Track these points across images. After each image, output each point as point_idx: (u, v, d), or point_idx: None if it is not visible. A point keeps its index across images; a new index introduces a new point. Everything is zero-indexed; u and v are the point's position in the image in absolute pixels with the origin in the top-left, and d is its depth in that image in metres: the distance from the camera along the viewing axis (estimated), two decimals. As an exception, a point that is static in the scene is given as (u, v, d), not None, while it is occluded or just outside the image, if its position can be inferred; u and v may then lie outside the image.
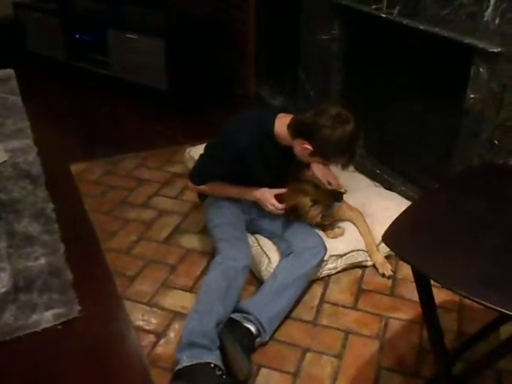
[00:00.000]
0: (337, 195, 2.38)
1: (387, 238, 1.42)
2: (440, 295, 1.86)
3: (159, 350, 2.06)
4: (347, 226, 2.60)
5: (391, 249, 1.53)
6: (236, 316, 2.07)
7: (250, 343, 2.02)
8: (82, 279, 2.38)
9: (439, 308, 1.53)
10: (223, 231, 2.34)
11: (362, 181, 2.97)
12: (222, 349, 1.96)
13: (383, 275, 2.45)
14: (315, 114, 2.06)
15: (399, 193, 2.81)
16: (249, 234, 2.51)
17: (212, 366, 1.87)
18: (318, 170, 2.57)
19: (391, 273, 2.46)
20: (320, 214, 2.39)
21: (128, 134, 3.84)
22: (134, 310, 2.25)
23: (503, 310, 1.18)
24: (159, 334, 2.13)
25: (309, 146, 2.07)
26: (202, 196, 2.57)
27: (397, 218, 1.50)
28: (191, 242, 2.67)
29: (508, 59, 2.14)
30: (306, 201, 2.34)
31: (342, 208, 2.57)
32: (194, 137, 3.49)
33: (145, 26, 4.27)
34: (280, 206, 2.32)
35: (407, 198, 2.77)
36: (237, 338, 1.98)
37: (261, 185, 2.38)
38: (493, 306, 1.18)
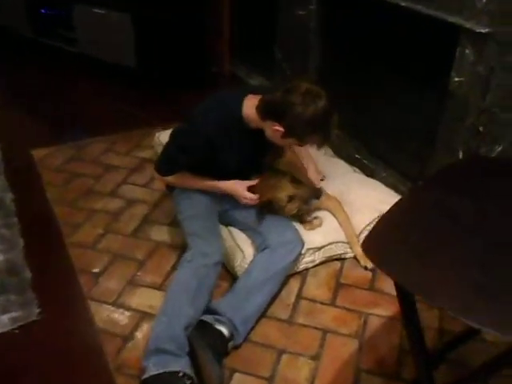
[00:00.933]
0: (315, 192, 2.25)
1: (366, 247, 1.29)
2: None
3: (125, 355, 1.93)
4: (325, 216, 2.47)
5: (371, 260, 1.39)
6: (207, 318, 1.94)
7: (222, 347, 1.89)
8: (42, 278, 2.22)
9: (418, 303, 1.41)
10: (193, 224, 2.19)
11: (340, 166, 2.83)
12: (192, 354, 1.84)
13: (365, 268, 2.34)
14: (284, 92, 1.91)
15: (380, 179, 2.69)
16: (222, 227, 2.38)
17: (180, 374, 1.75)
18: (297, 153, 2.45)
19: (373, 265, 2.34)
20: (296, 209, 2.25)
21: (95, 116, 3.63)
22: (99, 311, 2.10)
23: (498, 334, 1.06)
24: (126, 338, 1.99)
25: (280, 128, 1.93)
26: (171, 186, 2.41)
27: (377, 223, 1.38)
28: (161, 234, 2.52)
29: (496, 40, 2.00)
30: (281, 196, 2.20)
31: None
32: (165, 118, 3.31)
33: (113, 0, 4.01)
34: (254, 197, 2.18)
35: (388, 185, 2.65)
36: (208, 342, 1.85)
37: (233, 175, 2.23)
38: (488, 330, 1.07)
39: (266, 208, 2.23)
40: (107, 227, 2.56)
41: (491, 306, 1.11)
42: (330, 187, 2.56)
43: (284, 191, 2.19)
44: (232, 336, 1.93)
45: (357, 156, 2.88)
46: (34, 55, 4.48)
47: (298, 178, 2.26)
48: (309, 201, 2.25)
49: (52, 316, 2.06)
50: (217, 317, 1.95)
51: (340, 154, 2.95)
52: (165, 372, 1.74)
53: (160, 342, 1.81)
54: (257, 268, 2.10)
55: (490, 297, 1.12)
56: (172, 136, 2.23)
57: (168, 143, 2.24)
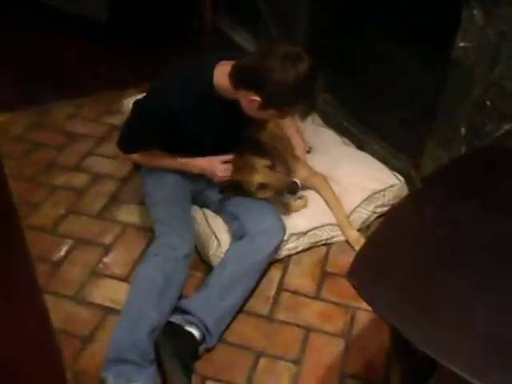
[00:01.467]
0: (291, 186, 1.97)
1: (352, 273, 1.06)
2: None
3: (84, 360, 1.73)
4: (311, 195, 2.24)
5: (359, 295, 1.16)
6: (176, 319, 1.74)
7: (192, 352, 1.70)
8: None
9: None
10: (161, 210, 1.96)
11: (329, 137, 2.57)
12: (159, 362, 1.64)
13: None
14: (260, 56, 1.66)
15: (371, 152, 2.44)
16: (196, 209, 2.14)
17: (143, 390, 1.56)
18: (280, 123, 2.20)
19: None
20: (269, 197, 2.01)
21: (63, 76, 3.28)
22: (56, 306, 1.89)
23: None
24: (85, 339, 1.79)
25: (256, 97, 1.67)
26: (137, 164, 2.16)
27: (366, 244, 1.15)
28: (129, 215, 2.28)
29: (509, 1, 1.72)
30: (252, 180, 1.95)
31: (303, 173, 2.20)
32: (138, 80, 2.98)
33: None
34: (229, 171, 1.94)
35: (380, 158, 2.40)
36: (176, 347, 1.66)
37: (209, 152, 1.98)
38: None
39: (233, 189, 1.99)
40: (70, 207, 2.31)
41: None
42: (316, 161, 2.31)
43: (256, 176, 1.94)
44: (204, 338, 1.74)
45: (347, 125, 2.62)
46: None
47: (277, 164, 1.99)
48: (283, 193, 2.00)
49: (3, 314, 1.85)
50: (187, 317, 1.75)
51: (329, 122, 2.68)
52: (126, 387, 1.55)
53: (120, 349, 1.61)
54: (232, 260, 1.88)
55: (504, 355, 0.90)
56: (133, 108, 1.96)
57: (129, 116, 1.97)
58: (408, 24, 2.23)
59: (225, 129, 1.94)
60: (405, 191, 2.32)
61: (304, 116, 1.80)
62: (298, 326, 1.87)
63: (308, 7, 2.72)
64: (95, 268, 2.04)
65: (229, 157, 1.97)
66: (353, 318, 1.90)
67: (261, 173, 1.95)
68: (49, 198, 2.35)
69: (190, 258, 1.86)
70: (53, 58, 3.46)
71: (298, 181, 1.98)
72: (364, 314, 1.92)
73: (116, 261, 2.07)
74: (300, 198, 2.22)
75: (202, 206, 2.16)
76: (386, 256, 1.09)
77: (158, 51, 3.48)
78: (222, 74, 1.76)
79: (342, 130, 2.61)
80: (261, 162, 1.96)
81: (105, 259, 2.08)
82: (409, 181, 2.32)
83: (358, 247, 2.13)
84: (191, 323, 1.73)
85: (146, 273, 1.79)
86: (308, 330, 1.86)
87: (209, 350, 1.77)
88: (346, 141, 2.57)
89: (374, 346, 1.81)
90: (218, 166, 1.95)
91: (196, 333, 1.72)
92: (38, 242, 2.13)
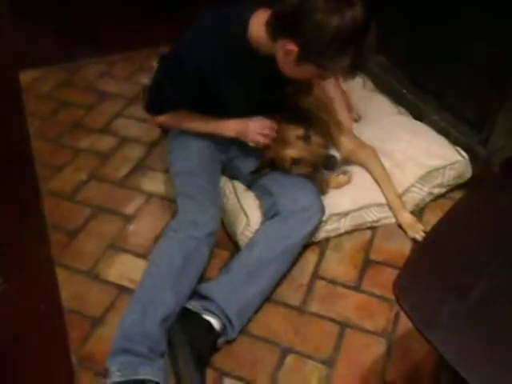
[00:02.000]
0: (326, 161, 1.70)
1: (399, 286, 0.81)
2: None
3: (92, 344, 1.57)
4: (356, 170, 1.96)
5: (402, 309, 0.91)
6: (194, 306, 1.54)
7: (209, 344, 1.50)
8: (5, 236, 1.84)
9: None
10: (185, 182, 1.75)
11: (381, 105, 2.26)
12: (171, 354, 1.46)
13: (414, 239, 1.85)
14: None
15: (430, 123, 2.12)
16: (226, 180, 1.92)
17: (149, 385, 1.37)
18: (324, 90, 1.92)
19: (424, 235, 1.85)
20: (304, 173, 1.75)
21: (96, 32, 3.06)
22: (68, 282, 1.74)
23: None
24: (96, 321, 1.62)
25: (293, 47, 1.41)
26: (165, 128, 1.94)
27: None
28: (155, 183, 2.08)
29: None
30: (285, 155, 1.70)
31: (348, 145, 1.92)
32: (175, 37, 2.73)
33: None
34: (269, 134, 1.69)
35: (440, 130, 2.08)
36: (191, 338, 1.46)
37: (242, 116, 1.74)
38: None
39: (267, 168, 1.76)
40: (92, 172, 2.14)
41: None
42: (365, 132, 2.03)
43: (288, 150, 1.69)
44: (224, 329, 1.53)
45: (403, 92, 2.29)
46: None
47: (312, 134, 1.72)
48: (319, 169, 1.73)
49: (15, 287, 1.70)
50: (206, 304, 1.54)
51: (383, 88, 2.36)
52: (130, 381, 1.37)
53: (129, 339, 1.43)
54: (261, 242, 1.65)
55: None
56: (159, 64, 1.74)
57: (156, 74, 1.74)
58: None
59: (260, 90, 1.68)
60: (468, 170, 2.00)
61: (348, 75, 1.51)
62: (333, 320, 1.64)
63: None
64: (113, 241, 1.87)
65: (268, 122, 1.72)
66: (397, 315, 1.65)
67: (293, 146, 1.69)
68: (72, 161, 2.19)
69: (213, 236, 1.65)
70: (88, 14, 3.25)
71: (336, 154, 1.70)
72: (411, 311, 1.65)
73: (136, 234, 1.89)
74: (344, 173, 1.96)
75: (233, 177, 1.93)
76: (443, 268, 0.83)
77: (196, 10, 3.19)
78: (258, 23, 1.51)
79: (397, 97, 2.29)
80: (293, 133, 1.70)
81: (124, 232, 1.90)
82: (474, 158, 1.99)
83: (411, 233, 1.86)
84: (210, 311, 1.53)
85: (163, 251, 1.59)
86: (344, 325, 1.62)
87: (229, 342, 1.56)
88: (402, 110, 2.24)
89: (421, 350, 1.55)
90: (255, 127, 1.71)
91: (215, 322, 1.52)
92: (55, 209, 1.97)
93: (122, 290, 1.70)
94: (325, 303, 1.68)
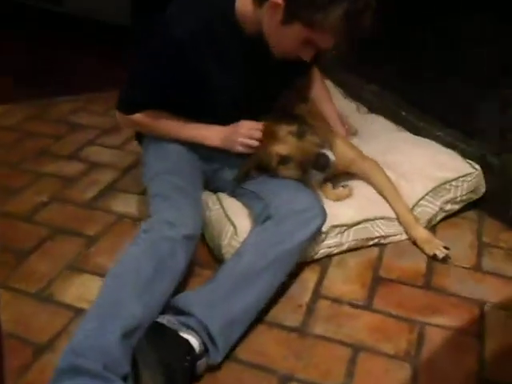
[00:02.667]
0: (318, 159, 1.43)
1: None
2: None
3: (34, 374, 1.21)
4: (357, 184, 1.72)
5: None
6: (167, 320, 1.21)
7: (186, 367, 1.15)
8: None
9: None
10: (161, 182, 1.48)
11: (379, 123, 2.08)
12: (135, 376, 1.11)
13: (434, 257, 1.57)
14: None
15: (435, 140, 1.92)
16: (209, 194, 1.65)
17: (104, 412, 1.01)
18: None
19: (446, 251, 1.57)
20: (294, 176, 1.49)
21: (73, 73, 2.95)
22: (12, 304, 1.39)
23: None
24: (41, 348, 1.28)
25: (280, 1, 1.23)
26: (140, 135, 1.71)
27: None
28: (127, 205, 1.81)
29: None
30: (272, 150, 1.46)
31: (348, 154, 1.70)
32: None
33: None
34: (256, 136, 1.46)
35: (445, 145, 1.88)
36: (162, 359, 1.12)
37: (228, 118, 1.52)
38: None
39: (252, 170, 1.52)
40: (55, 194, 1.86)
41: None
42: (363, 147, 1.81)
43: (276, 146, 1.45)
44: (205, 350, 1.20)
45: (402, 113, 2.12)
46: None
47: (307, 132, 1.49)
48: (308, 170, 1.45)
49: None
50: (183, 319, 1.22)
51: (378, 112, 2.19)
52: (78, 407, 1.01)
53: (78, 355, 1.08)
54: (251, 249, 1.36)
55: None
56: (138, 52, 1.54)
57: (132, 64, 1.54)
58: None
59: (248, 81, 1.48)
60: (482, 183, 1.78)
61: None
62: (342, 343, 1.31)
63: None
64: (72, 262, 1.56)
65: (256, 123, 1.50)
66: (421, 336, 1.33)
67: (282, 142, 1.46)
68: (32, 184, 1.92)
69: (192, 241, 1.36)
70: (64, 58, 3.15)
71: (330, 154, 1.45)
72: (437, 331, 1.35)
73: (100, 255, 1.58)
74: (343, 186, 1.72)
75: (216, 190, 1.67)
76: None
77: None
78: None
79: (395, 119, 2.11)
80: (285, 128, 1.48)
81: (88, 250, 1.60)
82: (487, 171, 1.78)
83: (429, 249, 1.58)
84: (188, 327, 1.20)
85: (130, 254, 1.29)
86: (356, 349, 1.29)
87: (212, 369, 1.22)
88: (402, 129, 2.06)
89: (456, 374, 1.23)
90: (244, 129, 1.48)
91: (195, 341, 1.18)
92: (7, 230, 1.68)
93: (79, 312, 1.37)
94: (331, 324, 1.36)
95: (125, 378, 1.10)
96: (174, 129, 1.55)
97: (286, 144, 1.46)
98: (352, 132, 1.92)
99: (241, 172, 1.54)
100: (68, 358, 1.08)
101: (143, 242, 1.30)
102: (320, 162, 1.43)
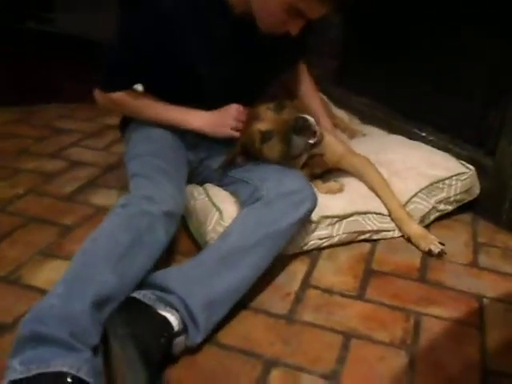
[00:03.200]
0: (297, 122, 1.35)
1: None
2: None
3: (-6, 353, 1.08)
4: (348, 180, 1.67)
5: None
6: (143, 295, 1.11)
7: (162, 344, 1.04)
8: None
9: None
10: (142, 163, 1.40)
11: (371, 129, 2.05)
12: (105, 349, 1.00)
13: (429, 252, 1.50)
14: None
15: (428, 143, 1.88)
16: (195, 185, 1.58)
17: (69, 380, 0.90)
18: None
19: (441, 247, 1.51)
20: (280, 152, 1.40)
21: (61, 84, 2.92)
22: (-25, 286, 1.28)
23: None
24: (4, 329, 1.16)
25: None
26: (124, 125, 1.64)
27: None
28: (107, 198, 1.73)
29: None
30: (253, 129, 1.40)
31: (339, 148, 1.65)
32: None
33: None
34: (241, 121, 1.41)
35: (439, 148, 1.84)
36: (135, 331, 1.01)
37: (216, 102, 1.47)
38: None
39: (238, 158, 1.46)
40: (32, 188, 1.77)
41: None
42: (357, 146, 1.77)
43: (257, 125, 1.39)
44: (185, 328, 1.09)
45: (393, 122, 2.09)
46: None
47: (287, 106, 1.43)
48: (290, 138, 1.36)
49: None
50: (161, 294, 1.11)
51: (370, 121, 2.17)
52: (35, 376, 0.89)
53: (41, 322, 0.97)
54: (239, 228, 1.28)
55: None
56: (117, 23, 1.49)
57: (112, 38, 1.48)
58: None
59: (234, 63, 1.44)
60: (477, 184, 1.73)
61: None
62: (333, 330, 1.21)
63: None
64: (44, 249, 1.45)
65: (244, 108, 1.46)
66: (417, 325, 1.24)
67: (261, 119, 1.40)
68: (9, 178, 1.83)
69: (173, 218, 1.26)
70: (53, 72, 3.13)
71: (309, 118, 1.38)
72: (434, 321, 1.26)
73: (75, 241, 1.48)
74: (335, 181, 1.66)
75: (203, 182, 1.60)
76: None
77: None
78: None
79: (387, 127, 2.08)
80: (262, 106, 1.43)
81: (62, 238, 1.50)
82: (481, 172, 1.73)
83: (424, 245, 1.52)
84: (166, 304, 1.10)
85: (105, 229, 1.19)
86: (348, 336, 1.19)
87: (192, 351, 1.11)
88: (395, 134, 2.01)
89: (456, 365, 1.13)
90: (233, 113, 1.43)
91: (173, 319, 1.08)
92: (-22, 218, 1.57)
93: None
94: (321, 312, 1.26)
95: (94, 349, 0.98)
96: (158, 110, 1.48)
97: (265, 120, 1.40)
98: (358, 136, 1.90)
99: (226, 159, 1.48)
100: (30, 324, 0.97)
101: (119, 216, 1.21)
102: (299, 124, 1.36)
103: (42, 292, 1.26)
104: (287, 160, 1.42)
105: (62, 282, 1.06)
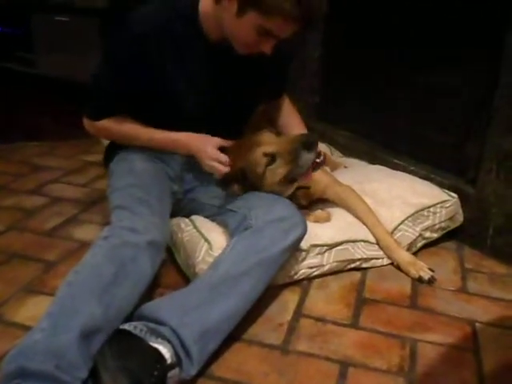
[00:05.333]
0: (307, 138, 1.39)
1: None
2: None
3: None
4: (334, 210, 1.67)
5: None
6: (133, 327, 1.07)
7: (154, 377, 1.00)
8: None
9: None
10: (123, 195, 1.38)
11: (354, 162, 2.08)
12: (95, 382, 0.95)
13: (420, 279, 1.51)
14: None
15: (410, 173, 1.91)
16: (182, 218, 1.56)
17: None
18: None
19: (431, 273, 1.51)
20: (284, 174, 1.41)
21: (40, 123, 2.90)
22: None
23: None
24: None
25: None
26: (108, 157, 1.62)
27: None
28: (90, 232, 1.69)
29: None
30: (257, 154, 1.40)
31: (323, 179, 1.66)
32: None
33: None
34: (226, 158, 1.40)
35: (422, 178, 1.86)
36: (127, 365, 0.97)
37: (194, 130, 1.48)
38: None
39: (237, 182, 1.44)
40: (12, 224, 1.73)
41: None
42: (340, 176, 1.78)
43: (261, 148, 1.40)
44: (178, 361, 1.05)
45: (375, 153, 2.12)
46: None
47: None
48: (298, 156, 1.37)
49: None
50: (152, 325, 1.08)
51: (351, 154, 2.20)
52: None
53: (28, 358, 0.93)
54: (230, 256, 1.26)
55: None
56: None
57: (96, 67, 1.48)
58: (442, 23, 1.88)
59: (211, 87, 1.45)
60: (460, 212, 1.75)
61: (299, 19, 1.23)
62: (329, 359, 1.18)
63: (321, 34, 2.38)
64: (27, 284, 1.41)
65: (227, 142, 1.46)
66: (414, 351, 1.22)
67: (266, 142, 1.41)
68: (-13, 216, 1.78)
69: (157, 247, 1.24)
70: (32, 112, 3.12)
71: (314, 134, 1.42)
72: (430, 347, 1.24)
73: (58, 277, 1.43)
74: (321, 210, 1.67)
75: (189, 214, 1.58)
76: None
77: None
78: (207, 0, 1.35)
79: (369, 158, 2.11)
80: (263, 131, 1.45)
81: (45, 274, 1.45)
82: (463, 200, 1.76)
83: (414, 272, 1.52)
84: (158, 335, 1.06)
85: (88, 262, 1.16)
86: (345, 364, 1.17)
87: (184, 384, 1.07)
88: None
89: (456, 387, 1.11)
90: (211, 148, 1.42)
91: (166, 351, 1.05)
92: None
93: (29, 331, 1.20)
94: (315, 342, 1.24)
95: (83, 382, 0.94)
96: (144, 134, 1.48)
97: (268, 143, 1.41)
98: (340, 168, 1.92)
99: (225, 179, 1.45)
100: (15, 360, 0.93)
101: (101, 248, 1.18)
102: (309, 140, 1.38)
103: (26, 328, 1.20)
104: (285, 183, 1.43)
105: (46, 316, 1.02)
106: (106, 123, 1.46)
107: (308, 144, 1.36)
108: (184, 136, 1.46)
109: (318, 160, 1.40)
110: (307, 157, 1.37)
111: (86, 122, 1.50)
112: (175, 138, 1.46)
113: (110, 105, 1.44)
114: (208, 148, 1.42)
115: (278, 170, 1.40)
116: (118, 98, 1.43)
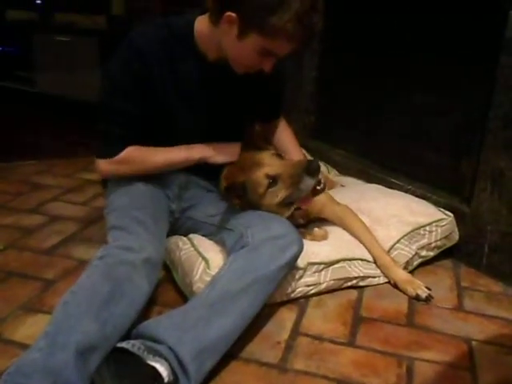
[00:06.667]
0: (312, 164, 1.41)
1: None
2: None
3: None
4: (331, 229, 1.68)
5: None
6: (131, 345, 1.08)
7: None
8: None
9: None
10: (119, 215, 1.40)
11: (351, 180, 2.10)
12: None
13: (417, 297, 1.51)
14: None
15: (406, 192, 1.93)
16: (180, 236, 1.58)
17: None
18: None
19: (428, 291, 1.52)
20: (283, 197, 1.43)
21: (41, 142, 2.93)
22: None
23: None
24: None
25: (233, 14, 1.24)
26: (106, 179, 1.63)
27: None
28: (89, 251, 1.69)
29: None
30: (259, 174, 1.42)
31: (319, 198, 1.66)
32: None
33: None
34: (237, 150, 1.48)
35: (417, 197, 1.88)
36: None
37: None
38: None
39: (238, 198, 1.45)
40: (12, 242, 1.74)
41: None
42: (337, 195, 1.80)
43: (263, 169, 1.41)
44: (176, 379, 1.06)
45: (371, 171, 2.15)
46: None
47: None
48: (300, 180, 1.39)
49: None
50: (150, 344, 1.08)
51: (348, 173, 2.22)
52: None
53: (25, 376, 0.94)
54: (227, 274, 1.27)
55: None
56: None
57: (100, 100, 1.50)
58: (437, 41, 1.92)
59: (209, 109, 1.48)
60: (455, 230, 1.77)
61: (300, 38, 1.26)
62: (327, 377, 1.19)
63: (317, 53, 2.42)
64: (25, 303, 1.41)
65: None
66: (410, 369, 1.23)
67: (269, 164, 1.43)
68: (-14, 234, 1.79)
69: (153, 265, 1.25)
70: (33, 128, 3.14)
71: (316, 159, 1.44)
72: (427, 365, 1.25)
73: (57, 296, 1.42)
74: (318, 228, 1.68)
75: (186, 232, 1.59)
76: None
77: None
78: (202, 20, 1.39)
79: (365, 178, 2.13)
80: (267, 153, 1.47)
81: (44, 292, 1.46)
82: (459, 218, 1.78)
83: (411, 290, 1.53)
84: (156, 353, 1.07)
85: (84, 282, 1.17)
86: (342, 383, 1.17)
87: (182, 403, 1.07)
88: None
89: (453, 406, 1.11)
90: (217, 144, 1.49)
91: (163, 369, 1.05)
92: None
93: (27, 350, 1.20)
94: (312, 360, 1.24)
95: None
96: (162, 154, 1.48)
97: (271, 165, 1.43)
98: (337, 187, 1.94)
99: (229, 187, 1.47)
100: (13, 378, 0.94)
101: (97, 268, 1.20)
102: (314, 166, 1.40)
103: (24, 347, 1.20)
104: (284, 206, 1.44)
105: (43, 335, 1.03)
106: (125, 153, 1.44)
107: (311, 170, 1.38)
108: (194, 148, 1.49)
109: (318, 187, 1.42)
110: (309, 182, 1.39)
111: (103, 164, 1.47)
112: (190, 152, 1.48)
113: (124, 131, 1.43)
114: (216, 144, 1.47)
115: (278, 193, 1.41)
116: (129, 120, 1.42)
